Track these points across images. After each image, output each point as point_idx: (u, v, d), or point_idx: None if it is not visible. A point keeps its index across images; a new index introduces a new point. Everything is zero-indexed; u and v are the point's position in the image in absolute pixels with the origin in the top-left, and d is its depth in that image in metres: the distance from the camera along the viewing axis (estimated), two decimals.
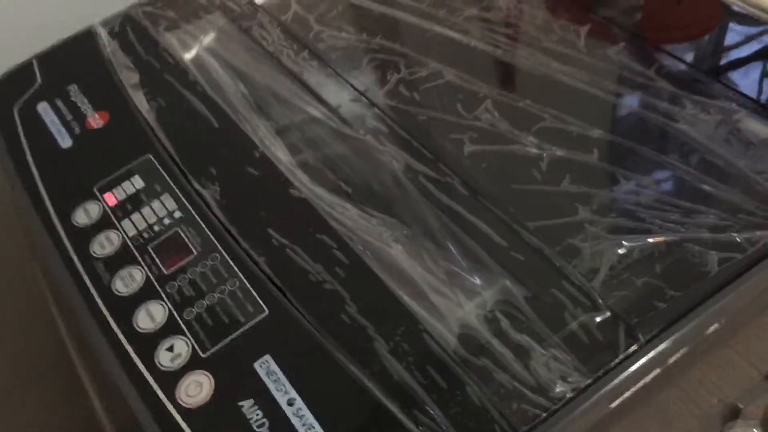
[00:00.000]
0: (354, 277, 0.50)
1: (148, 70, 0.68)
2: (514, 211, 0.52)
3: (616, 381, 0.43)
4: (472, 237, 0.51)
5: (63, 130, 0.65)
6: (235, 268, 0.52)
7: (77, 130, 0.64)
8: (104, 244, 0.55)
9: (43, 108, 0.68)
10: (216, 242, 0.53)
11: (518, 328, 0.45)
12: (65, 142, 0.64)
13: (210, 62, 0.68)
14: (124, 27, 0.74)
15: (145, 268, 0.53)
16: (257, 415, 0.44)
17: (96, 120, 0.65)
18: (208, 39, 0.71)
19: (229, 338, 0.48)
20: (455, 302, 0.47)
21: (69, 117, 0.66)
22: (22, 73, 0.72)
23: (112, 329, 0.50)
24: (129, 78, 0.67)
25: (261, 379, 0.46)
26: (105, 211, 0.57)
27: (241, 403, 0.45)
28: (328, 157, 0.58)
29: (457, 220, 0.52)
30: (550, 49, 0.65)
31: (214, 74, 0.67)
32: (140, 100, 0.65)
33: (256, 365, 0.46)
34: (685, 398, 0.51)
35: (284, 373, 0.46)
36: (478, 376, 0.44)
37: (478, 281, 0.48)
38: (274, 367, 0.46)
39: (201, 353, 0.48)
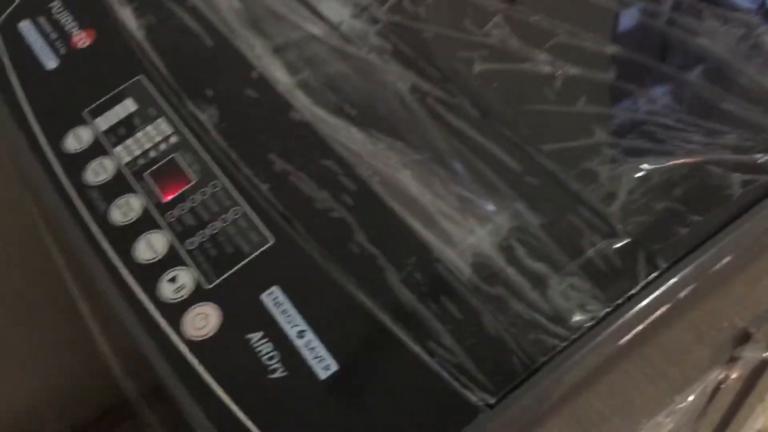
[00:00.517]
0: (362, 205, 0.48)
1: None
2: (527, 133, 0.50)
3: (636, 309, 0.42)
4: (484, 161, 0.48)
5: (48, 50, 0.61)
6: (237, 196, 0.49)
7: (63, 50, 0.61)
8: (98, 172, 0.53)
9: (26, 26, 0.64)
10: (215, 169, 0.51)
11: (534, 255, 0.44)
12: (51, 63, 0.60)
13: None
14: None
15: (144, 196, 0.51)
16: (267, 347, 0.43)
17: (82, 39, 0.61)
18: None
19: (235, 269, 0.47)
20: (468, 229, 0.46)
21: (53, 36, 0.62)
22: None
23: (111, 261, 0.48)
24: None
25: (269, 311, 0.44)
26: (96, 136, 0.55)
27: (249, 336, 0.44)
28: (329, 78, 0.55)
29: (468, 144, 0.50)
30: None
31: None
32: (128, 17, 0.61)
33: (264, 296, 0.45)
34: (698, 324, 0.51)
35: (293, 304, 0.44)
36: (494, 305, 0.42)
37: (491, 207, 0.46)
38: (282, 298, 0.45)
39: (206, 284, 0.46)
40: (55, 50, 0.61)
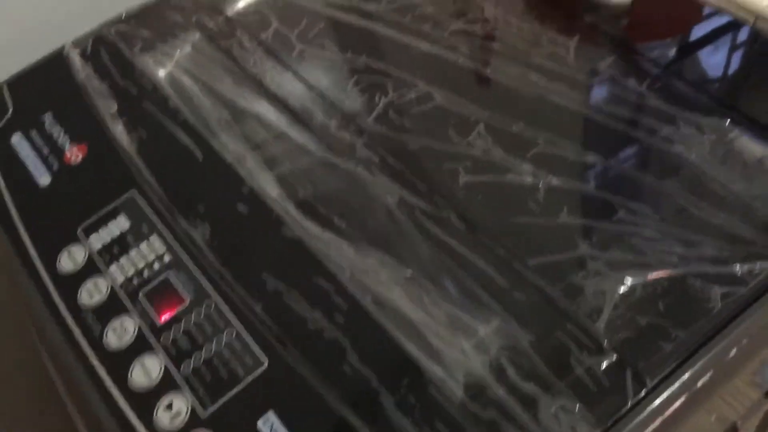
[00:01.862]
0: (354, 324, 0.49)
1: (126, 97, 0.66)
2: (513, 247, 0.51)
3: (626, 429, 0.42)
4: (472, 276, 0.50)
5: (40, 165, 0.62)
6: (231, 317, 0.50)
7: (55, 165, 0.62)
8: (92, 293, 0.54)
9: (18, 140, 0.65)
10: (209, 288, 0.52)
11: (524, 375, 0.45)
12: (43, 179, 0.61)
13: (190, 86, 0.66)
14: (97, 48, 0.71)
15: (138, 318, 0.52)
16: None
17: (74, 154, 0.62)
18: (186, 61, 0.69)
19: (230, 394, 0.47)
20: (459, 349, 0.47)
21: (45, 151, 0.63)
22: None
23: (107, 389, 0.49)
24: (106, 106, 0.65)
25: None
26: (90, 255, 0.56)
27: None
28: (319, 191, 0.57)
29: (456, 259, 0.51)
30: (540, 65, 0.63)
31: (195, 100, 0.65)
32: (119, 131, 0.63)
33: (260, 423, 0.45)
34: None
35: (289, 430, 0.45)
36: (487, 430, 0.43)
37: (480, 325, 0.48)
38: (277, 424, 0.45)
39: (202, 411, 0.47)
40: (48, 166, 0.62)
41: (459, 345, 0.47)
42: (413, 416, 0.44)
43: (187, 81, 0.67)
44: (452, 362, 0.46)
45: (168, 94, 0.65)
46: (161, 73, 0.68)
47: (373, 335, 0.48)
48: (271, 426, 0.45)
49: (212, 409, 0.47)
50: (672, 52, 0.67)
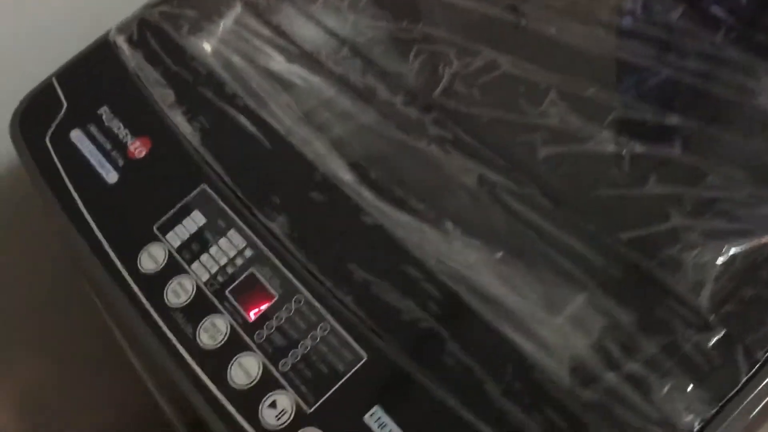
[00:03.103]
0: (449, 312, 0.48)
1: (181, 84, 0.64)
2: (602, 221, 0.50)
3: (742, 405, 0.42)
4: (564, 255, 0.49)
5: (105, 162, 0.62)
6: (323, 311, 0.50)
7: (120, 161, 0.61)
8: (179, 292, 0.54)
9: (78, 137, 0.64)
10: (296, 282, 0.52)
11: (630, 356, 0.45)
12: (111, 176, 0.61)
13: (244, 68, 0.64)
14: (143, 33, 0.69)
15: (228, 316, 0.52)
16: None
17: (138, 148, 0.61)
18: (236, 40, 0.67)
19: (332, 390, 0.47)
20: (560, 331, 0.46)
21: (108, 146, 0.62)
22: (44, 97, 0.68)
23: (210, 390, 0.49)
24: (163, 95, 0.64)
25: None
26: (171, 253, 0.55)
27: None
28: (393, 173, 0.56)
29: (545, 237, 0.50)
30: (607, 21, 0.61)
31: (253, 83, 0.63)
32: (180, 121, 0.62)
33: (367, 418, 0.46)
34: None
35: (398, 425, 0.45)
36: (600, 415, 0.43)
37: (579, 306, 0.47)
38: (385, 419, 0.45)
39: (307, 408, 0.47)
40: (113, 162, 0.61)
41: (559, 327, 0.46)
42: (522, 404, 0.44)
43: (240, 62, 0.65)
44: (555, 346, 0.46)
45: (224, 78, 0.63)
46: (213, 55, 0.66)
47: (471, 323, 0.48)
48: (379, 421, 0.45)
49: (316, 405, 0.47)
50: None
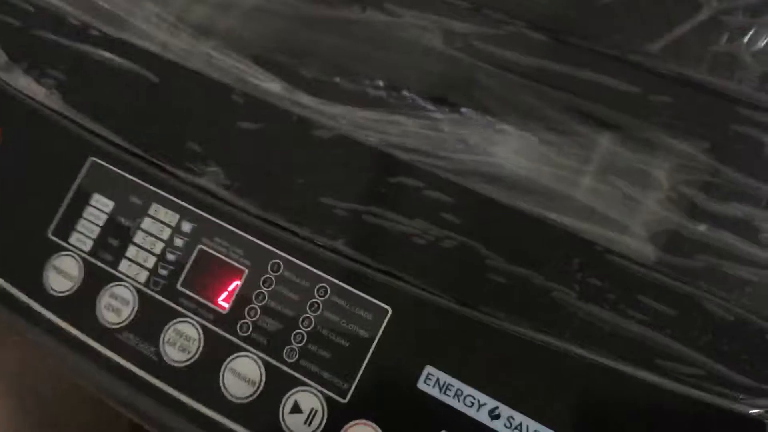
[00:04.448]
0: (474, 217, 0.37)
1: (9, 35, 0.47)
2: (618, 37, 0.38)
3: None
4: (589, 99, 0.38)
5: None
6: (313, 269, 0.38)
7: None
8: (115, 307, 0.40)
9: None
10: (263, 244, 0.39)
11: (720, 195, 0.35)
12: None
13: None
14: None
15: (193, 316, 0.39)
16: None
17: None
18: None
19: (364, 366, 0.36)
20: (621, 198, 0.36)
21: None
22: None
23: (206, 416, 0.37)
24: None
25: (437, 400, 0.35)
26: (85, 260, 0.41)
27: None
28: (330, 63, 0.42)
29: (556, 82, 0.38)
30: None
31: (103, 3, 0.47)
32: (25, 84, 0.45)
33: (422, 384, 0.35)
34: None
35: (461, 380, 0.35)
36: (708, 281, 0.33)
37: (629, 154, 0.36)
38: (444, 377, 0.35)
39: (339, 399, 0.36)
40: None
41: (619, 193, 0.36)
42: (606, 302, 0.34)
43: None
44: (622, 217, 0.35)
45: (61, 8, 0.46)
46: None
47: (506, 222, 0.36)
48: (437, 382, 0.35)
49: (352, 392, 0.36)
50: None
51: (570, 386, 0.33)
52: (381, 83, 0.41)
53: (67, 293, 0.41)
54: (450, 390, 0.35)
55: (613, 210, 0.35)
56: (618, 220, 0.35)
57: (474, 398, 0.34)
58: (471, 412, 0.34)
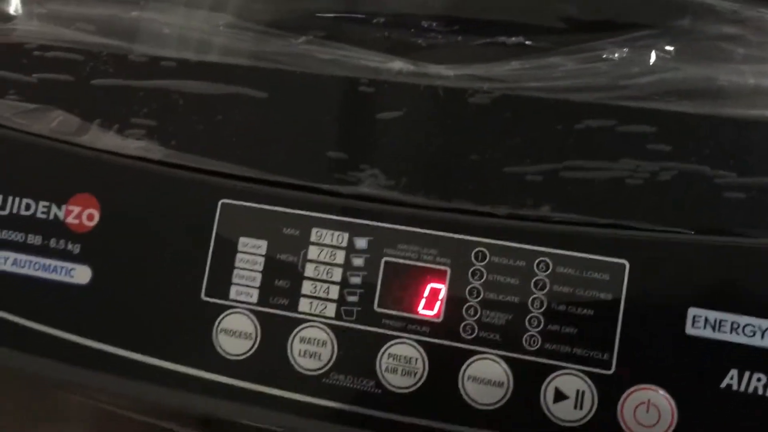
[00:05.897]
0: (685, 139, 0.34)
1: (57, 88, 0.41)
2: None
3: None
4: None
5: (51, 262, 0.40)
6: (523, 246, 0.34)
7: (70, 245, 0.40)
8: (313, 351, 0.36)
9: None
10: (455, 235, 0.35)
11: None
12: (76, 275, 0.39)
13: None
14: None
15: (406, 335, 0.35)
16: (759, 381, 0.32)
17: (79, 214, 0.40)
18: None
19: (618, 328, 0.33)
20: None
21: (37, 241, 0.40)
22: None
23: None
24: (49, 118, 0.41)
25: (713, 341, 0.32)
26: (257, 312, 0.37)
27: (724, 384, 0.32)
28: (446, 21, 0.38)
29: None
30: None
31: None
32: (109, 139, 0.40)
33: (689, 329, 0.32)
34: None
35: (732, 312, 0.32)
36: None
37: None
38: (713, 315, 0.32)
39: (605, 372, 0.33)
40: (60, 254, 0.40)
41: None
42: None
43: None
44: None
45: (123, 47, 0.41)
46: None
47: (722, 133, 0.34)
48: (707, 322, 0.32)
49: (615, 359, 0.33)
50: None
51: None
52: (517, 27, 0.37)
53: (249, 353, 0.37)
54: (724, 326, 0.32)
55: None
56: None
57: (753, 326, 0.32)
58: (755, 342, 0.32)
